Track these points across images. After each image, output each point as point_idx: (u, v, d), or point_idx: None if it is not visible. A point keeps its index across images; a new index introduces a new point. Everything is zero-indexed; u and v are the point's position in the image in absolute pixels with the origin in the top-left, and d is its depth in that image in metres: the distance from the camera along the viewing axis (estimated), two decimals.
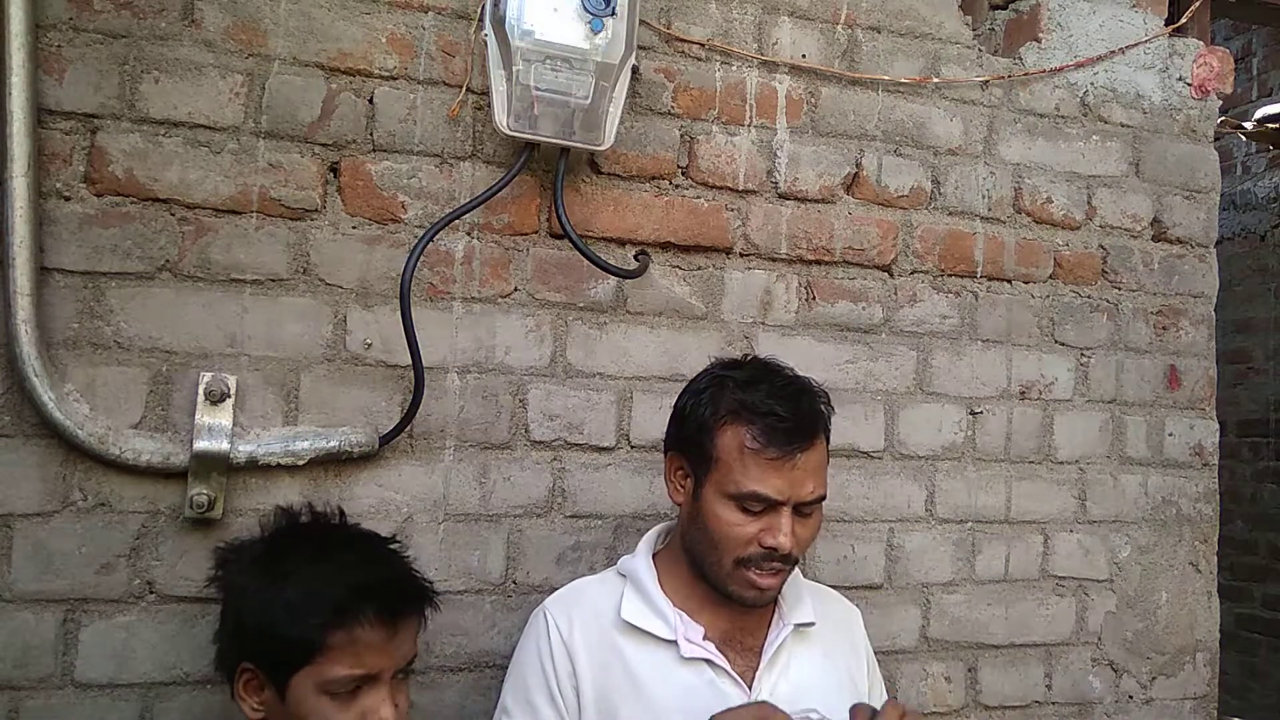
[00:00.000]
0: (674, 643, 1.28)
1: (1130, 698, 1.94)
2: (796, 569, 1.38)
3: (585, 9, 1.46)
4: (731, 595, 1.27)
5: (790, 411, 1.26)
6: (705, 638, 1.29)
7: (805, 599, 1.37)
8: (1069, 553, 1.92)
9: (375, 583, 1.18)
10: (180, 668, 1.39)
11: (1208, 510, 2.03)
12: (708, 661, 1.27)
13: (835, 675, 1.35)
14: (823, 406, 1.31)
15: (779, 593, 1.31)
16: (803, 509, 1.26)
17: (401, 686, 1.21)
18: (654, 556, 1.37)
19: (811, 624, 1.36)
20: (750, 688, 1.28)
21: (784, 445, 1.23)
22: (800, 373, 1.35)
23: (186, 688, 1.39)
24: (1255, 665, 3.99)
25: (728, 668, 1.28)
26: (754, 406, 1.25)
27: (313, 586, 1.15)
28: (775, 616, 1.35)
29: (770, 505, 1.23)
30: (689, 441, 1.30)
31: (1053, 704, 1.88)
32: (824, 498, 1.28)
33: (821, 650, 1.36)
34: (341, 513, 1.30)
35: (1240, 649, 3.96)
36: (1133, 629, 1.95)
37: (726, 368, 1.35)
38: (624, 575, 1.36)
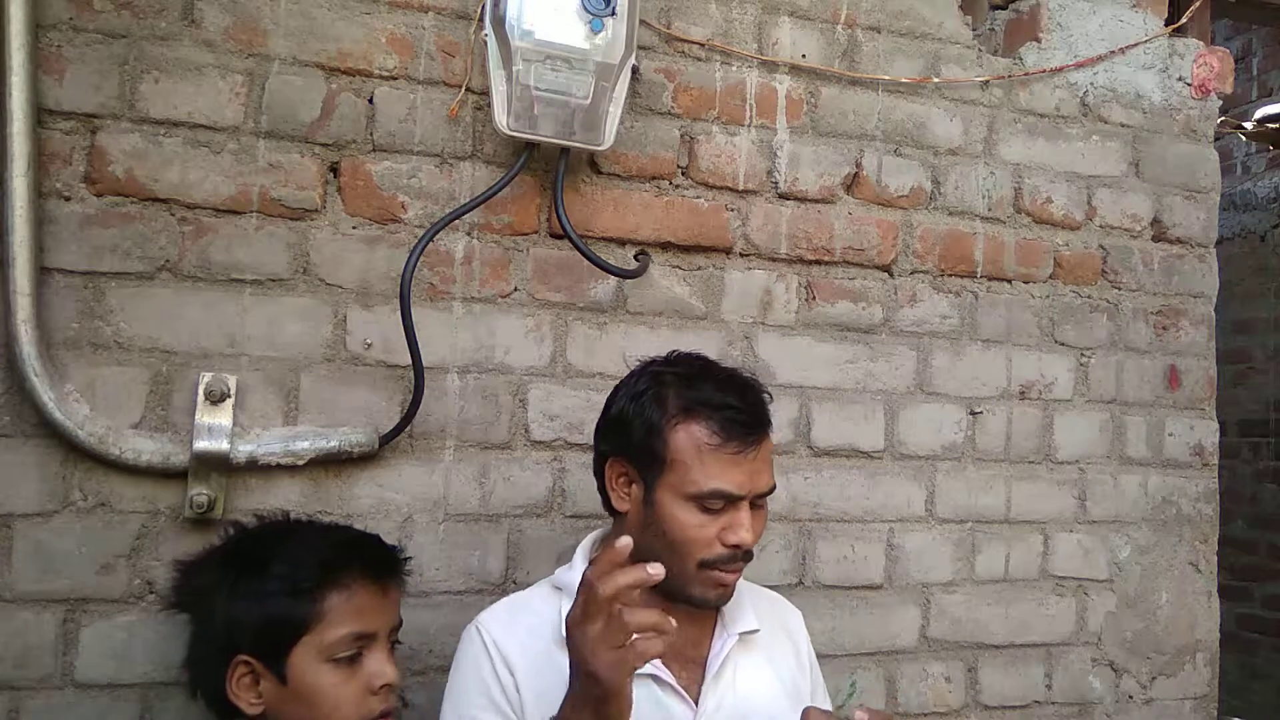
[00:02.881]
0: None
1: (1130, 698, 1.94)
2: None
3: (585, 9, 1.46)
4: (694, 599, 1.23)
5: (744, 403, 1.23)
6: None
7: (746, 604, 1.33)
8: (1069, 553, 1.92)
9: (360, 542, 1.21)
10: (180, 668, 1.39)
11: (1208, 510, 2.03)
12: (653, 678, 1.22)
13: (780, 682, 1.31)
14: (765, 395, 1.28)
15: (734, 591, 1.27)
16: (756, 501, 1.23)
17: (393, 657, 1.22)
18: None
19: (755, 631, 1.31)
20: (696, 702, 1.24)
21: (744, 438, 1.20)
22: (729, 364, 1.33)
23: (186, 688, 1.39)
24: (1255, 665, 3.99)
25: (672, 682, 1.23)
26: (707, 401, 1.22)
27: (298, 556, 1.16)
28: (718, 625, 1.31)
29: (730, 502, 1.20)
30: (635, 446, 1.23)
31: (1053, 704, 1.88)
32: (775, 488, 1.26)
33: (765, 657, 1.32)
34: (286, 514, 1.33)
35: (1240, 649, 3.96)
36: (1133, 629, 1.95)
37: (659, 366, 1.30)
38: (560, 589, 1.29)
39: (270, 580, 1.15)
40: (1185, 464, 2.02)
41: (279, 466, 1.43)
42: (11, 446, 1.35)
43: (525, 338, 1.59)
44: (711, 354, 1.66)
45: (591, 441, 1.60)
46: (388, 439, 1.49)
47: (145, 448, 1.37)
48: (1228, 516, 2.57)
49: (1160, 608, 1.97)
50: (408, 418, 1.49)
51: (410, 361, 1.48)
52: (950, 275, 1.86)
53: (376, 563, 1.21)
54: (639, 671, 1.17)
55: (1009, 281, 1.90)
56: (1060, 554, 1.91)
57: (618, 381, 1.66)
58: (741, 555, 1.22)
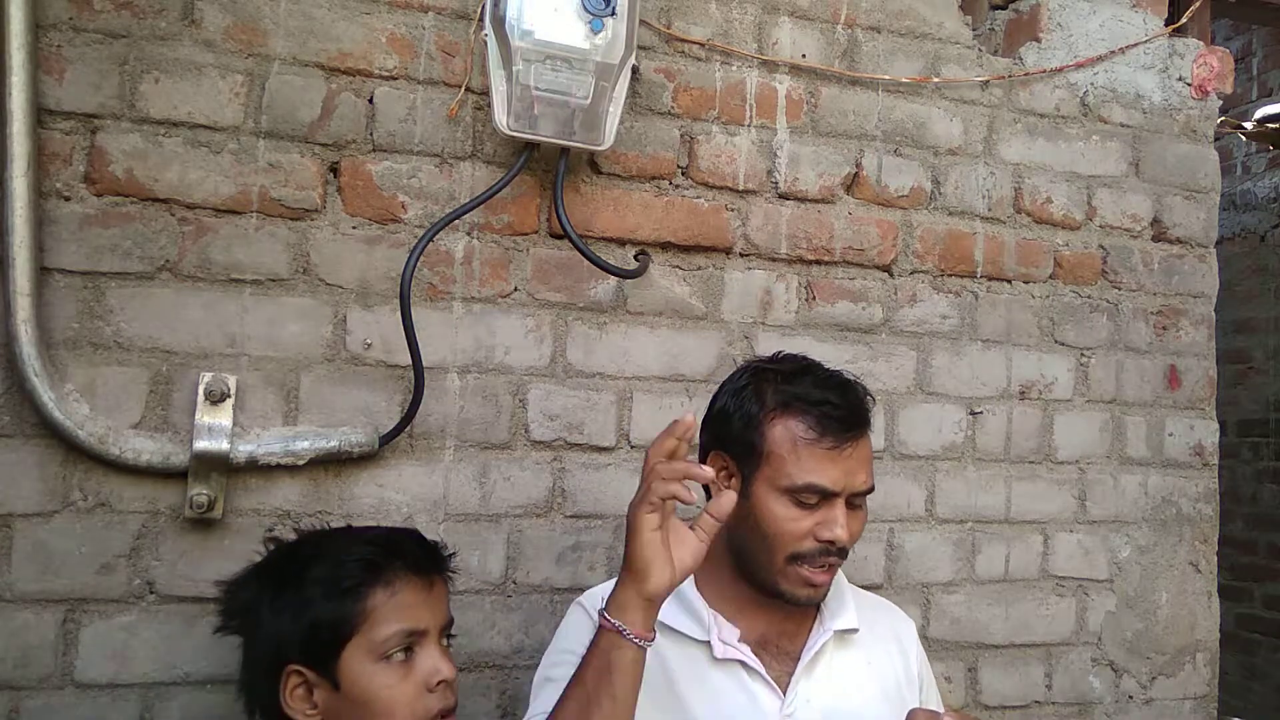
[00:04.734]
0: (708, 643, 1.25)
1: (1130, 698, 1.94)
2: (842, 573, 1.36)
3: (585, 9, 1.46)
4: (784, 595, 1.24)
5: (842, 400, 1.25)
6: (741, 640, 1.26)
7: (849, 605, 1.34)
8: (1069, 553, 1.92)
9: (399, 539, 1.20)
10: (180, 668, 1.39)
11: (1208, 510, 2.03)
12: (741, 664, 1.25)
13: (879, 685, 1.31)
14: (867, 397, 1.30)
15: (828, 592, 1.28)
16: (853, 500, 1.24)
17: (448, 654, 1.20)
18: None
19: (854, 630, 1.32)
20: (785, 693, 1.25)
21: (839, 434, 1.22)
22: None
23: (186, 688, 1.39)
24: (1255, 665, 3.99)
25: (762, 671, 1.25)
26: (805, 397, 1.24)
27: (338, 557, 1.15)
28: (816, 622, 1.32)
29: (825, 497, 1.21)
30: (735, 439, 1.27)
31: (1053, 704, 1.89)
32: (873, 489, 1.27)
33: (866, 658, 1.33)
34: (325, 525, 1.33)
35: (1240, 649, 3.96)
36: (1133, 629, 1.95)
37: (761, 363, 1.34)
38: None
39: (312, 584, 1.13)
40: (1185, 464, 2.02)
41: (279, 466, 1.43)
42: (11, 446, 1.35)
43: (525, 338, 1.59)
44: (711, 354, 1.68)
45: (592, 442, 1.62)
46: (388, 439, 1.49)
47: (145, 448, 1.37)
48: (1228, 516, 2.57)
49: (1160, 608, 1.97)
50: (408, 418, 1.49)
51: (410, 361, 1.48)
52: (950, 275, 1.86)
53: (419, 558, 1.19)
54: (728, 658, 1.24)
55: (1009, 281, 1.90)
56: (1060, 554, 1.91)
57: (619, 381, 1.67)
58: (834, 552, 1.23)
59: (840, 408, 1.24)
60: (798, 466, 1.21)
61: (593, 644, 1.09)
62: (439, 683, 1.15)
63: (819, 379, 1.28)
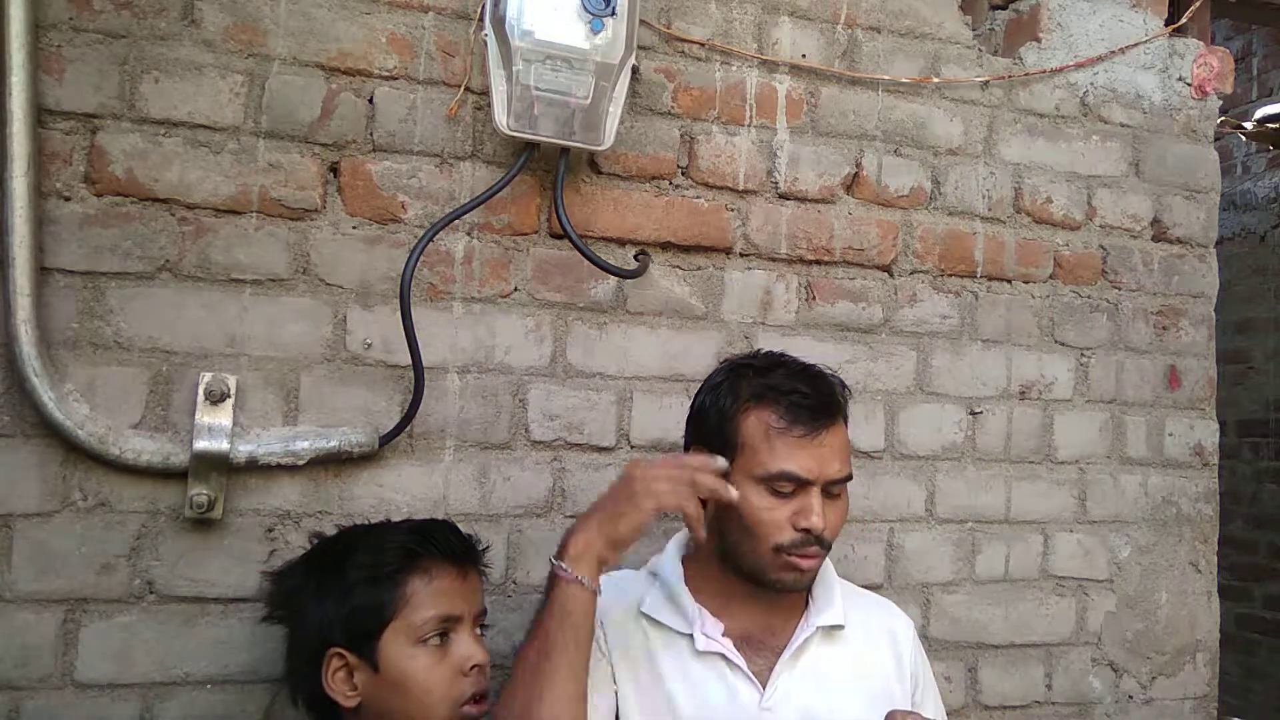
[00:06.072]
0: (691, 636, 1.28)
1: (1130, 698, 1.94)
2: (833, 569, 1.38)
3: (585, 9, 1.46)
4: (773, 583, 1.27)
5: (812, 389, 1.27)
6: (724, 634, 1.28)
7: (836, 601, 1.35)
8: (1069, 553, 1.92)
9: (436, 530, 1.25)
10: (180, 668, 1.39)
11: (1208, 510, 2.03)
12: (722, 657, 1.27)
13: (865, 682, 1.32)
14: (839, 389, 1.33)
15: (815, 577, 1.31)
16: (831, 489, 1.26)
17: (481, 641, 1.25)
18: (683, 558, 1.37)
19: (840, 626, 1.33)
20: (765, 686, 1.27)
21: (810, 423, 1.24)
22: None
23: (186, 688, 1.39)
24: (1255, 665, 3.99)
25: (742, 665, 1.27)
26: (776, 387, 1.27)
27: (378, 545, 1.21)
28: (802, 617, 1.34)
29: (800, 485, 1.23)
30: (712, 434, 1.30)
31: (1053, 704, 1.88)
32: (850, 478, 1.29)
33: (853, 656, 1.34)
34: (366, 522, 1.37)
35: (1240, 649, 3.96)
36: (1133, 629, 1.95)
37: (739, 360, 1.37)
38: (655, 574, 1.37)
39: (354, 570, 1.19)
40: (1185, 464, 2.02)
41: (279, 466, 1.43)
42: (11, 446, 1.35)
43: (525, 338, 1.59)
44: (711, 354, 1.68)
45: (592, 442, 1.62)
46: (388, 439, 1.49)
47: (145, 448, 1.37)
48: (1228, 516, 2.57)
49: (1160, 608, 1.97)
50: (408, 418, 1.49)
51: (410, 361, 1.48)
52: (950, 275, 1.86)
53: (455, 548, 1.25)
54: (710, 650, 1.27)
55: (1009, 281, 1.90)
56: (1060, 554, 1.91)
57: (619, 381, 1.67)
58: (814, 540, 1.25)
59: (810, 396, 1.26)
60: (770, 455, 1.24)
61: (550, 596, 1.17)
62: (472, 667, 1.20)
63: (790, 371, 1.31)
